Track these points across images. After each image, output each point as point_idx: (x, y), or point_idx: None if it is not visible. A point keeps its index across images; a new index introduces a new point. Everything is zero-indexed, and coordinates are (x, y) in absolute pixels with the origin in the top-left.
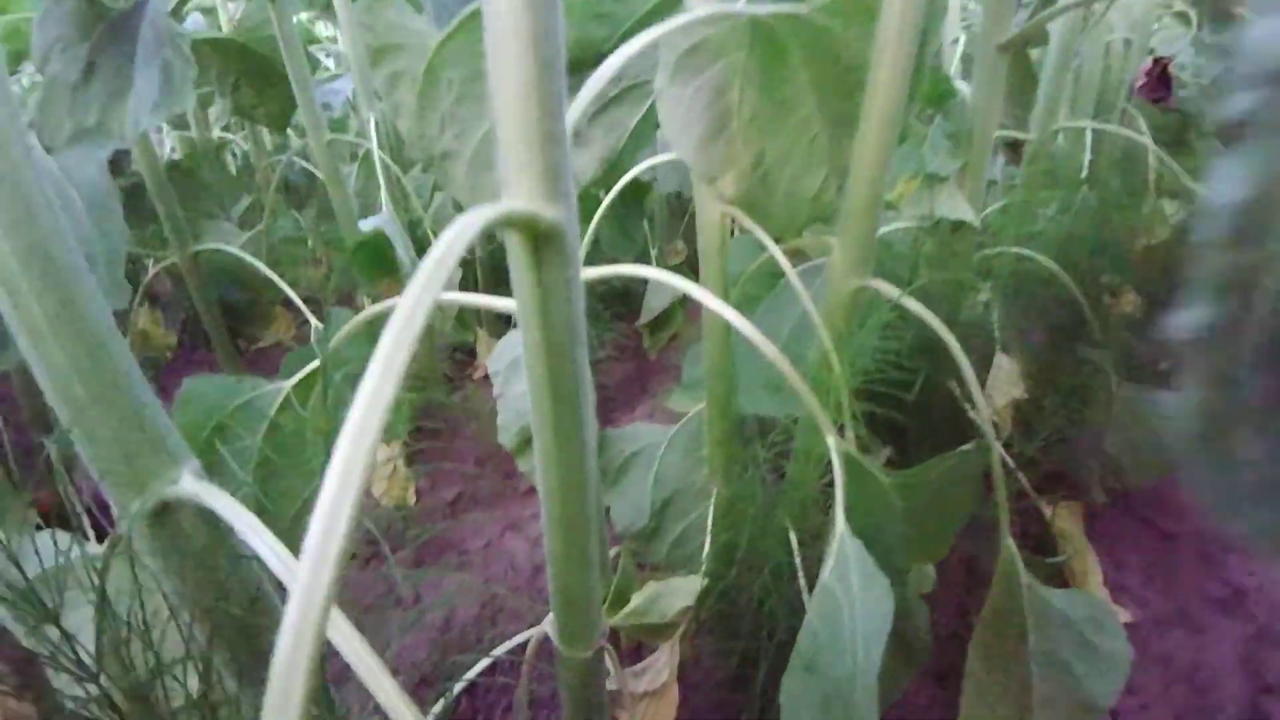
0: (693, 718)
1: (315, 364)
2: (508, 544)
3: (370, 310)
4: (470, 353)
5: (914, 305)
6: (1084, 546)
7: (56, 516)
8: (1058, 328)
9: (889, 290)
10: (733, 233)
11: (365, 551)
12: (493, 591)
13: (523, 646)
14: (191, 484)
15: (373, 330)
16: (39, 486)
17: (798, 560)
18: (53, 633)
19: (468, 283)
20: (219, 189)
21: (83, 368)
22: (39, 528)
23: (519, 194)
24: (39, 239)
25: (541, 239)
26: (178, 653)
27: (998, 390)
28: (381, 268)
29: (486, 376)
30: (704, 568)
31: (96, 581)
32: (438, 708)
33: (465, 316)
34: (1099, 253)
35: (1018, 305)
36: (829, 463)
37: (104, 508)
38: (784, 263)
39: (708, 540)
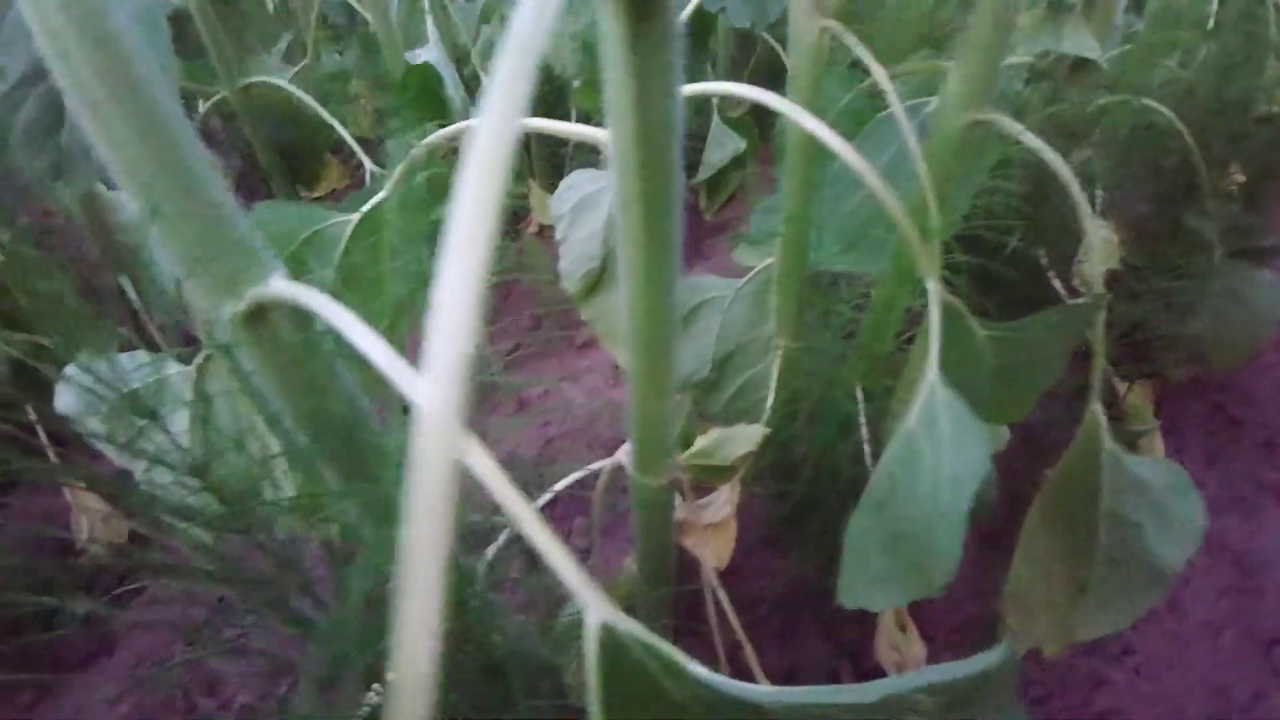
0: (749, 551)
1: (382, 195)
2: (565, 394)
3: (436, 135)
4: (521, 204)
5: (1032, 141)
6: (1151, 424)
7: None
8: (1165, 193)
9: (1010, 126)
10: None
11: None
12: (550, 436)
13: (593, 476)
14: (284, 284)
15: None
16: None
17: (862, 415)
18: (152, 438)
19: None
20: (259, 25)
21: (161, 160)
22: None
23: None
24: (109, 40)
25: (642, 12)
26: (279, 455)
27: (1092, 257)
28: (430, 104)
29: (539, 230)
30: (765, 418)
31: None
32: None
33: (522, 169)
34: (1218, 114)
35: (1126, 164)
36: (907, 316)
37: (189, 339)
38: (888, 87)
39: (771, 394)
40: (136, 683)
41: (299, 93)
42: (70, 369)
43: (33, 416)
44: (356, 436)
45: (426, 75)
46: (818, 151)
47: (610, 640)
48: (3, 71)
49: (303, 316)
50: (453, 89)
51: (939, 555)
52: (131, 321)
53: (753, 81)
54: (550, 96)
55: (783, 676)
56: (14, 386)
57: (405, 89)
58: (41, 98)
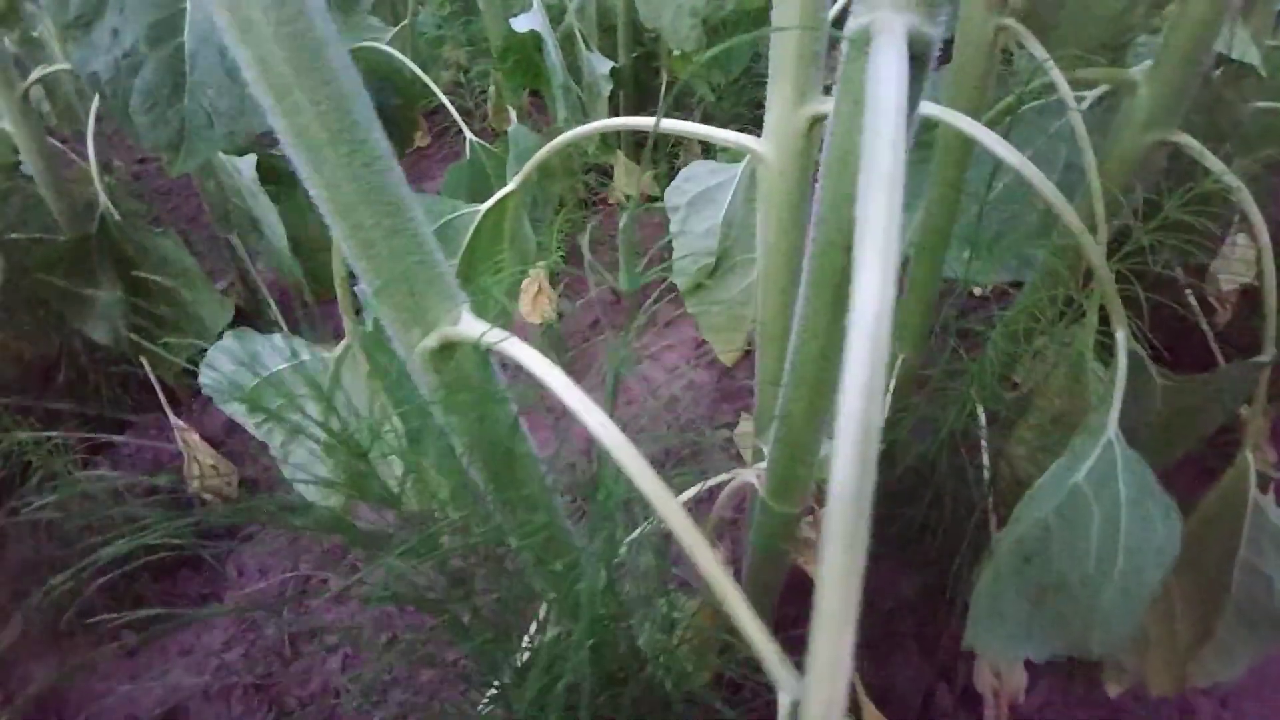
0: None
1: (509, 189)
2: (645, 371)
3: (563, 139)
4: (608, 174)
5: (1216, 165)
6: (1260, 420)
7: (244, 308)
8: None
9: (1195, 149)
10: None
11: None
12: (632, 414)
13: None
14: (472, 323)
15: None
16: (231, 283)
17: (984, 438)
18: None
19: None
20: None
21: (372, 200)
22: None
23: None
24: (329, 73)
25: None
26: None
27: (1226, 272)
28: (530, 72)
29: (620, 202)
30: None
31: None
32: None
33: (607, 138)
34: None
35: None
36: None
37: (284, 301)
38: (1066, 94)
39: (887, 405)
40: (246, 627)
41: (400, 56)
42: (215, 350)
43: (146, 367)
44: (515, 457)
45: (528, 44)
46: (968, 158)
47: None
48: (116, 33)
49: (480, 349)
50: (554, 57)
51: (1106, 625)
52: (241, 279)
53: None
54: (641, 56)
55: (880, 691)
56: (131, 335)
57: (506, 56)
58: (161, 62)
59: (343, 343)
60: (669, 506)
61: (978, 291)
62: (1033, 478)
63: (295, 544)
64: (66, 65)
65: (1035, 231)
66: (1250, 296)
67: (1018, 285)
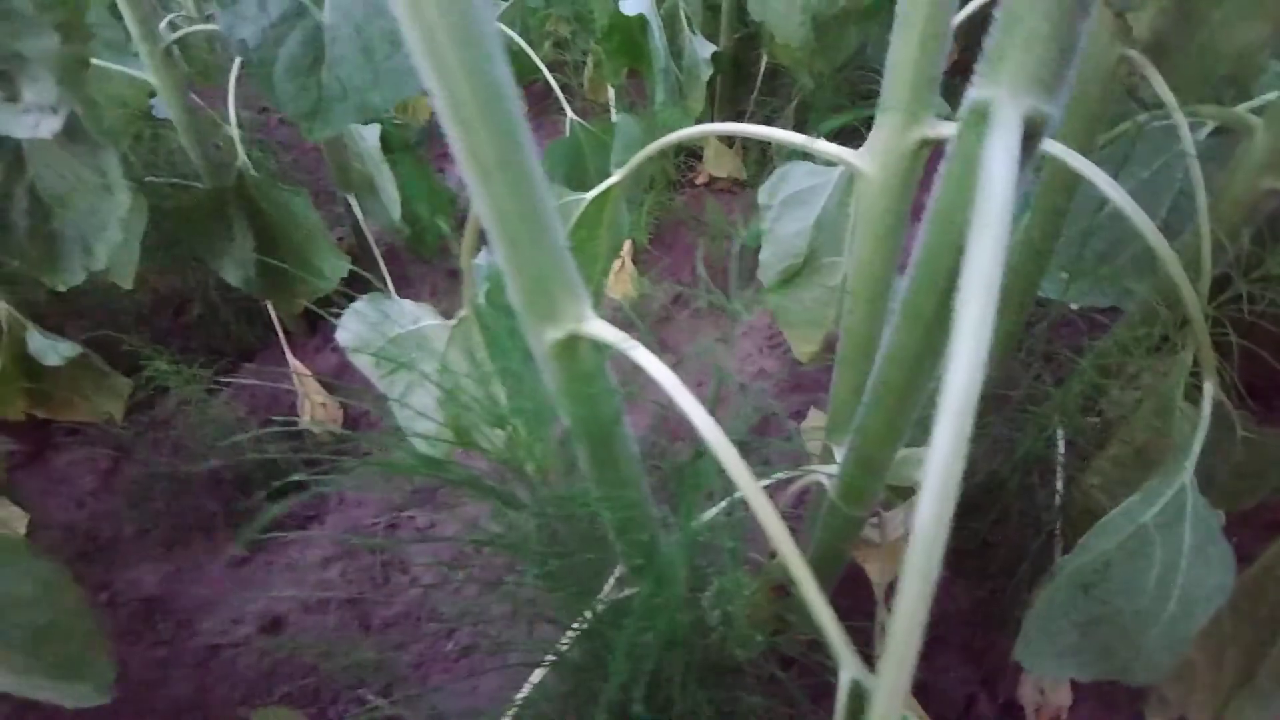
0: None
1: (615, 180)
2: (716, 354)
3: (673, 137)
4: (696, 156)
5: None
6: None
7: (358, 260)
8: None
9: None
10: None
11: None
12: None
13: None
14: (596, 322)
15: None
16: (341, 237)
17: (1060, 459)
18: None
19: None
20: None
21: (525, 210)
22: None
23: (1012, 79)
24: (493, 86)
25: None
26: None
27: None
28: (633, 54)
29: (709, 183)
30: None
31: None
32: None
33: (703, 119)
34: None
35: None
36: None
37: (389, 257)
38: (1186, 140)
39: None
40: (343, 550)
41: (509, 32)
42: (353, 308)
43: (270, 309)
44: (615, 438)
45: (633, 25)
46: (1076, 186)
47: (858, 694)
48: (264, 3)
49: (600, 346)
50: (658, 40)
51: (1149, 660)
52: (355, 234)
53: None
54: (743, 39)
55: (923, 690)
56: (260, 282)
57: (610, 36)
58: (305, 33)
59: (460, 312)
60: (759, 500)
61: (1075, 306)
62: (1104, 509)
63: (390, 482)
64: (204, 26)
65: (1139, 260)
66: None
67: (1112, 311)
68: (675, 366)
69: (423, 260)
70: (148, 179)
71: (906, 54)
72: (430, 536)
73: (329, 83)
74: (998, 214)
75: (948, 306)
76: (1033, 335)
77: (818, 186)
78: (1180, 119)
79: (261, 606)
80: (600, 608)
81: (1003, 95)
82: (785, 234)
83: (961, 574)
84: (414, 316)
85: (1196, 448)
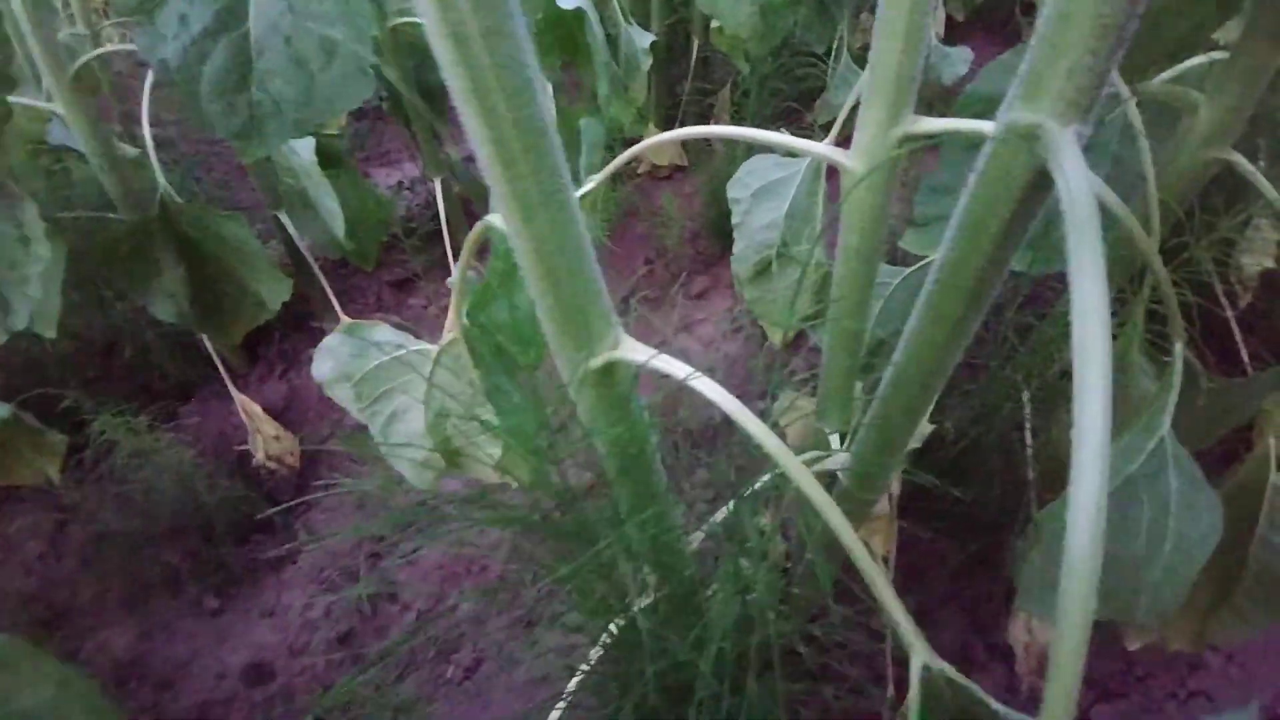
0: (909, 543)
1: (587, 189)
2: (681, 343)
3: (646, 144)
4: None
5: (1263, 185)
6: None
7: (294, 280)
8: None
9: (1246, 169)
10: None
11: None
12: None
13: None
14: (631, 345)
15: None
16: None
17: (1028, 418)
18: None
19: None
20: None
21: (567, 244)
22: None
23: (1055, 106)
24: (538, 125)
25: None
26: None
27: (1250, 255)
28: (568, 49)
29: (651, 171)
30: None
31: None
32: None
33: (642, 109)
34: None
35: None
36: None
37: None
38: (1132, 109)
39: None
40: (325, 587)
41: None
42: (325, 344)
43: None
44: (645, 461)
45: (569, 20)
46: None
47: (930, 680)
48: (185, 19)
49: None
50: (598, 34)
51: (1153, 597)
52: (289, 253)
53: None
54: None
55: None
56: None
57: (545, 33)
58: (230, 48)
59: (447, 335)
60: (820, 498)
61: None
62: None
63: (363, 508)
64: (119, 47)
65: None
66: (1271, 277)
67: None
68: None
69: (363, 273)
70: (60, 215)
71: (889, 56)
72: (417, 560)
73: (260, 99)
74: (1091, 240)
75: (975, 306)
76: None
77: (786, 178)
78: (1124, 89)
79: (245, 658)
80: (624, 618)
81: (1050, 121)
82: (757, 226)
83: (948, 533)
84: (395, 343)
85: (1172, 402)
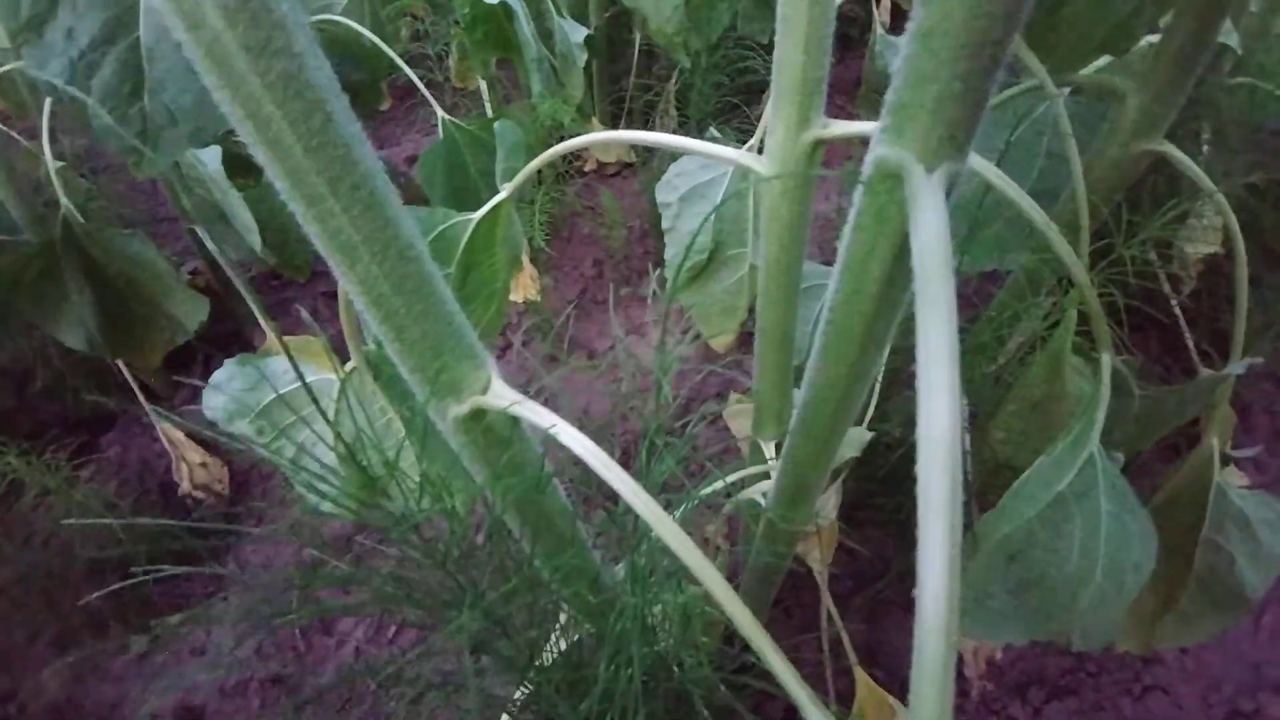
0: (852, 552)
1: (502, 197)
2: (632, 347)
3: (564, 147)
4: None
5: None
6: (1226, 408)
7: (219, 297)
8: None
9: (1178, 158)
10: None
11: (499, 343)
12: (621, 392)
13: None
14: (501, 389)
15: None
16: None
17: (965, 423)
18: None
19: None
20: None
21: (400, 285)
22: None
23: (923, 143)
24: (344, 149)
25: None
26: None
27: (1193, 242)
28: (499, 45)
29: (598, 169)
30: (866, 422)
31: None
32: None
33: (584, 105)
34: None
35: (1240, 152)
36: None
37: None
38: (1059, 104)
39: (874, 399)
40: (254, 625)
41: (358, 28)
42: (218, 375)
43: (122, 369)
44: (545, 503)
45: (498, 15)
46: None
47: None
48: (71, 33)
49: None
50: (527, 29)
51: (1085, 626)
52: (210, 268)
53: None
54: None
55: (869, 653)
56: (103, 337)
57: (475, 28)
58: (119, 59)
59: (349, 364)
60: (705, 570)
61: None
62: (1011, 460)
63: (295, 536)
64: (18, 64)
65: (1013, 224)
66: (1213, 264)
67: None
68: (591, 359)
69: (297, 285)
70: None
71: (792, 57)
72: (352, 590)
73: (154, 109)
74: (941, 290)
75: (868, 354)
76: None
77: (714, 180)
78: (1049, 84)
79: (176, 700)
80: (550, 653)
81: (913, 161)
82: (688, 230)
83: (896, 537)
84: (292, 374)
85: (1100, 416)
